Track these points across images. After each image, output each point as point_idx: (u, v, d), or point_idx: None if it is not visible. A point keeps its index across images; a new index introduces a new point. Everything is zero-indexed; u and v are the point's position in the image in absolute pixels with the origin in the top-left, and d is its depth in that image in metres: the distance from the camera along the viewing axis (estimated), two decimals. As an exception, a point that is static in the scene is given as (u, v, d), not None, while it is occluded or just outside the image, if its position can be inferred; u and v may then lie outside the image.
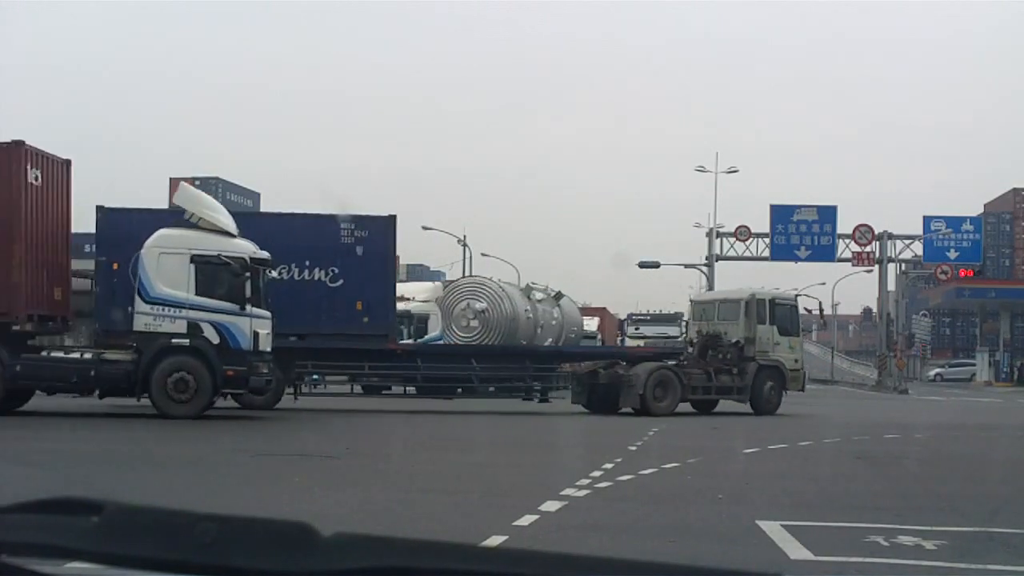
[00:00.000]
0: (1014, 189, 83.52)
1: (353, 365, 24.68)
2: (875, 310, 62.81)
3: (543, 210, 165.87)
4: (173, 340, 19.16)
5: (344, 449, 15.47)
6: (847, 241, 54.21)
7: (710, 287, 55.24)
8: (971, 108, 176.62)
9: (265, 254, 20.08)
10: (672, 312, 56.00)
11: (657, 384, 24.49)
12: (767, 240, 54.35)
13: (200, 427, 19.31)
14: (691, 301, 30.69)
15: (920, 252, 55.97)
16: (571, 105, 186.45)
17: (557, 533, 8.21)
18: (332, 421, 21.05)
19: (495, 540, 7.53)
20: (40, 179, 20.36)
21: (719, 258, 54.96)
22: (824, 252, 54.20)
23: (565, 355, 29.32)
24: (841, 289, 58.40)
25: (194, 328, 19.18)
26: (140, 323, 19.29)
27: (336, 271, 23.47)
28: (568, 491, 10.38)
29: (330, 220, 23.90)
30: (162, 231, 19.75)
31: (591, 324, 45.99)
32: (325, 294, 23.37)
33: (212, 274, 19.30)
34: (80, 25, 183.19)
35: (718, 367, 25.66)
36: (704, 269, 56.49)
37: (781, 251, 54.00)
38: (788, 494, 11.12)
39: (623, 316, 57.67)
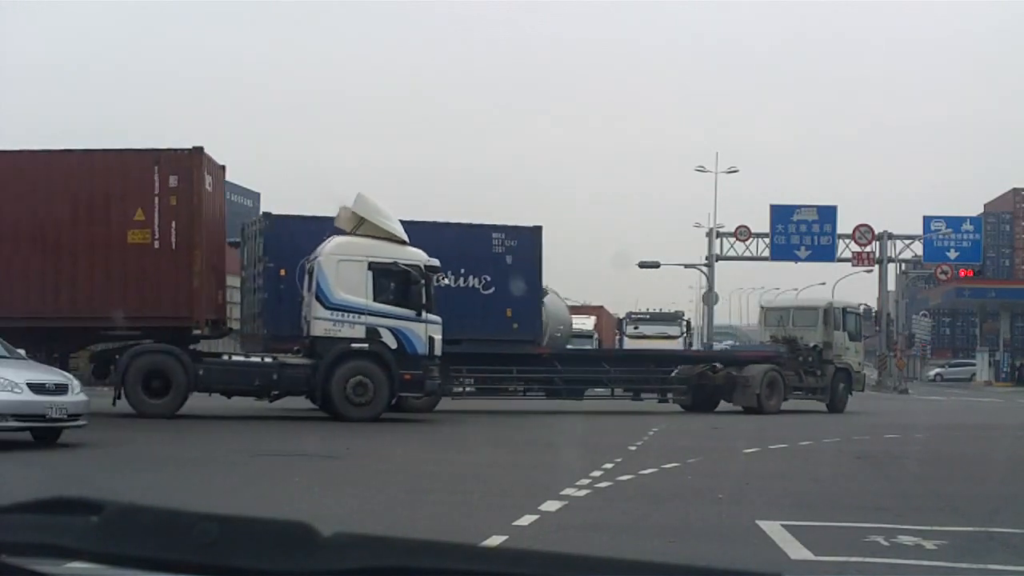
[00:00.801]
0: (1014, 189, 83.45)
1: (502, 369, 25.47)
2: (875, 310, 62.85)
3: (543, 210, 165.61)
4: (353, 345, 19.63)
5: (344, 449, 15.47)
6: (847, 241, 54.18)
7: (710, 287, 55.29)
8: (971, 108, 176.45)
9: (436, 261, 20.59)
10: (672, 311, 55.83)
11: (768, 384, 26.58)
12: (767, 240, 54.32)
13: (200, 427, 19.32)
14: (762, 307, 33.21)
15: (920, 252, 55.95)
16: (571, 105, 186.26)
17: (557, 533, 8.21)
18: (332, 421, 21.04)
19: (495, 540, 7.53)
20: (211, 185, 20.84)
21: (719, 258, 54.94)
22: (824, 252, 54.16)
23: (680, 359, 30.60)
24: (841, 289, 58.44)
25: (373, 333, 19.70)
26: (320, 328, 19.68)
27: (488, 279, 24.36)
28: (568, 491, 10.39)
29: (483, 230, 24.83)
30: (340, 239, 20.15)
31: (587, 323, 45.69)
32: (479, 301, 24.22)
33: (389, 281, 19.88)
34: (79, 24, 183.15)
35: (805, 369, 27.76)
36: (704, 269, 56.49)
37: (781, 251, 53.98)
38: (788, 494, 11.12)
39: (622, 315, 57.43)
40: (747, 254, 55.37)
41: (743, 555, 7.51)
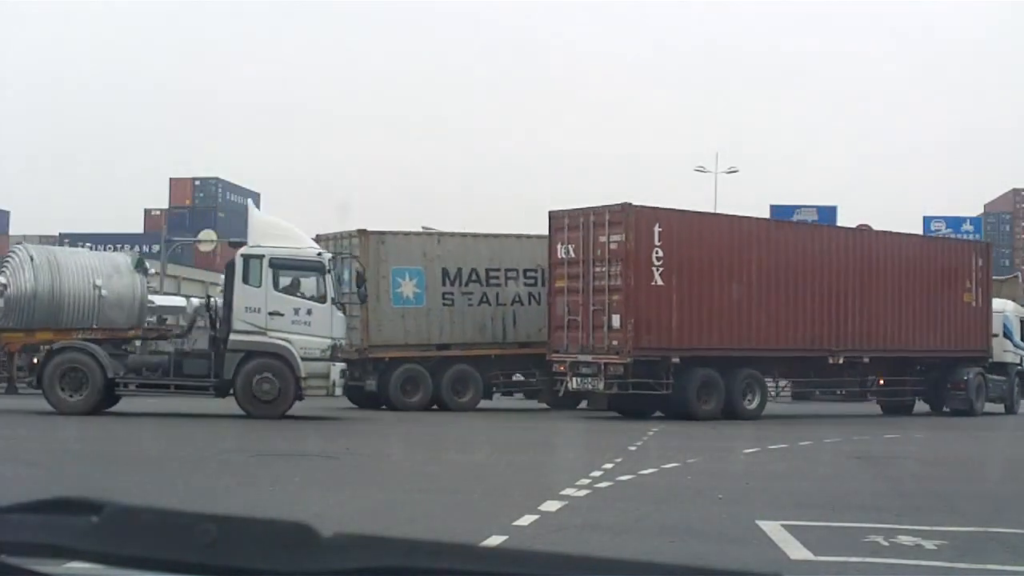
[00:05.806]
0: (1014, 189, 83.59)
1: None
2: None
3: (543, 210, 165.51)
4: (1019, 367, 30.49)
5: (344, 449, 15.47)
6: (847, 241, 54.12)
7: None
8: (971, 108, 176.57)
9: None
10: None
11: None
12: (767, 240, 54.28)
13: (201, 427, 19.33)
14: None
15: (920, 252, 55.92)
16: (571, 105, 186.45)
17: (557, 533, 8.20)
18: (332, 421, 21.05)
19: (495, 540, 7.53)
20: None
21: (719, 258, 54.89)
22: (824, 252, 54.09)
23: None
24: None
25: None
26: (1008, 357, 30.00)
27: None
28: (568, 491, 10.37)
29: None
30: (1010, 302, 31.19)
31: None
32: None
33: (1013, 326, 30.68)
34: (79, 23, 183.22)
35: None
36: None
37: (781, 251, 53.93)
38: (788, 494, 11.12)
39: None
40: (747, 254, 55.35)
41: (743, 555, 7.51)
